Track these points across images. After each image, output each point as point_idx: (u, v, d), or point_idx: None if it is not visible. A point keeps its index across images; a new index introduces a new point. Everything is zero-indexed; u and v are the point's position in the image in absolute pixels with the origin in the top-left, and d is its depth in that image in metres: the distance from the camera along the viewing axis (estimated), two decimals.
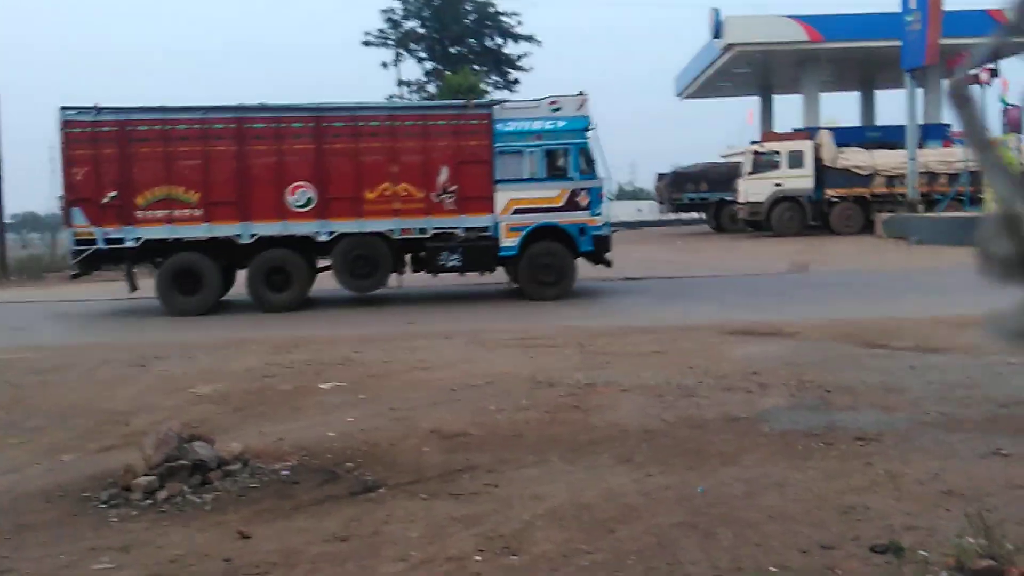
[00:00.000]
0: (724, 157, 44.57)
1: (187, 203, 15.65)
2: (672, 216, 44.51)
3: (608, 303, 15.98)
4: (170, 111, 15.86)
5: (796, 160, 32.13)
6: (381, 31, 45.02)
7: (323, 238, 16.02)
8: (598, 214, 16.57)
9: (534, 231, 16.33)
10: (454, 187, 16.11)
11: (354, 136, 16.04)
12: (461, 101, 16.65)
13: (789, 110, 49.34)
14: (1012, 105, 26.83)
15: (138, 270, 16.89)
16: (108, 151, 15.47)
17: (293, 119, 16.13)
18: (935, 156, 32.04)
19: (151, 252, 16.14)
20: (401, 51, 43.91)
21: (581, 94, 16.62)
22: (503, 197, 16.29)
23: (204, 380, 9.52)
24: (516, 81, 46.65)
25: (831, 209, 32.04)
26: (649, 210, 60.84)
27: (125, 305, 17.51)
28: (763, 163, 32.53)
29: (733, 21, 38.50)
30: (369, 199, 16.01)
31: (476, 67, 43.88)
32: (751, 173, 32.59)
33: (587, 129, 16.53)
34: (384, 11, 44.88)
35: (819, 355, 9.68)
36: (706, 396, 7.88)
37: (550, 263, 16.43)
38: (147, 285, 16.50)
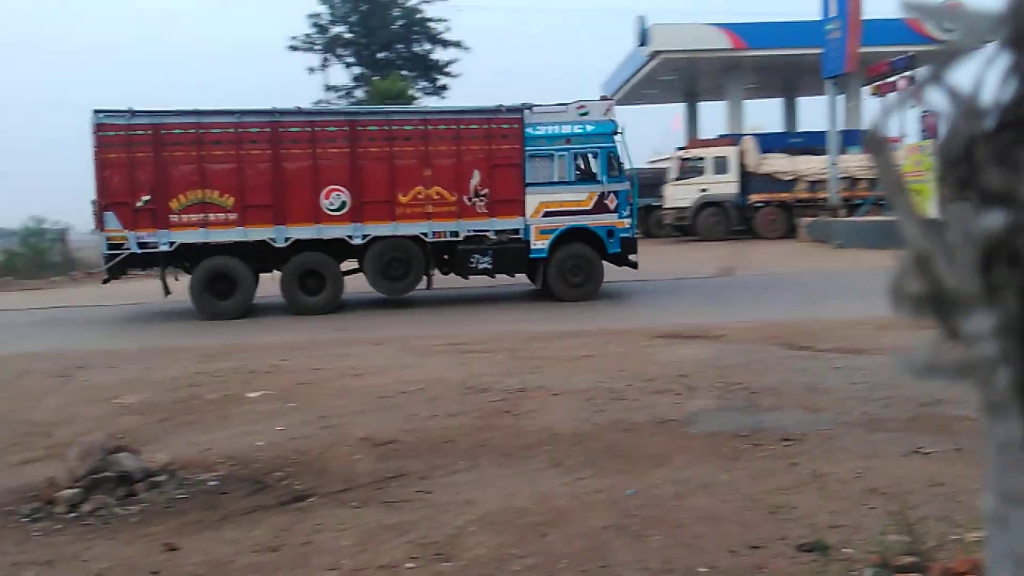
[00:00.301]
0: (651, 163, 45.02)
1: (222, 207, 15.64)
2: None
3: (537, 307, 16.04)
4: (204, 115, 15.78)
5: (721, 166, 32.60)
6: (308, 36, 44.64)
7: (357, 241, 16.10)
8: (625, 216, 16.92)
9: (563, 233, 16.58)
10: (486, 190, 16.35)
11: (388, 140, 16.17)
12: (494, 105, 16.74)
13: (714, 116, 50.33)
14: (929, 112, 27.49)
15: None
16: (142, 155, 15.39)
17: (328, 123, 16.35)
18: (856, 162, 32.71)
19: (183, 256, 16.05)
20: (328, 56, 43.53)
21: (607, 99, 16.96)
22: (533, 200, 16.53)
23: (129, 390, 9.34)
24: (445, 87, 46.58)
25: (755, 214, 32.54)
26: None
27: (47, 315, 17.10)
28: (689, 169, 32.94)
29: (658, 29, 38.91)
30: (402, 202, 16.16)
31: (405, 73, 43.69)
32: (677, 179, 32.97)
33: (615, 133, 16.85)
34: (311, 16, 44.53)
35: (745, 357, 9.83)
36: (636, 399, 7.96)
37: (579, 264, 16.70)
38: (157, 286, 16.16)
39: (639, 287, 18.62)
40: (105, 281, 16.52)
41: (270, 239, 15.79)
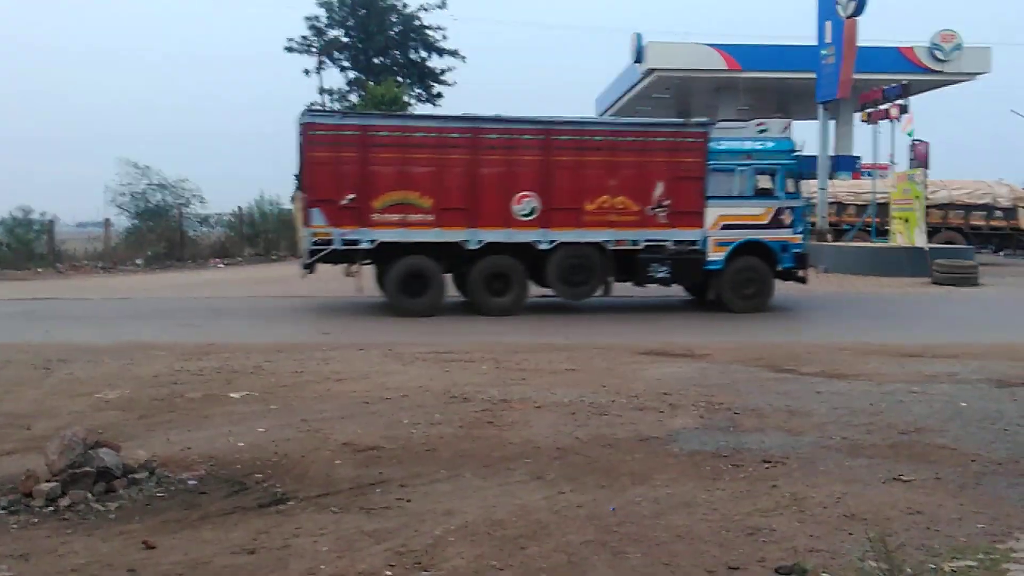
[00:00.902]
0: None
1: (420, 208, 15.95)
2: None
3: (524, 320, 16.02)
4: (409, 119, 16.46)
5: None
6: (304, 38, 44.63)
7: (544, 246, 16.38)
8: (800, 232, 17.34)
9: (739, 246, 16.93)
10: (668, 201, 16.57)
11: (578, 150, 16.43)
12: (680, 120, 17.37)
13: None
14: (919, 141, 27.74)
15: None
16: (348, 155, 15.70)
17: (524, 131, 16.53)
18: (844, 187, 32.94)
19: (378, 254, 16.25)
20: (324, 59, 43.53)
21: (785, 118, 16.95)
22: (712, 213, 16.82)
23: (110, 385, 9.30)
24: (439, 95, 46.62)
25: None
26: None
27: (25, 307, 17.01)
28: None
29: (655, 47, 39.10)
30: (588, 210, 16.41)
31: (400, 79, 43.73)
32: None
33: (793, 151, 17.37)
34: (308, 19, 44.54)
35: (728, 378, 9.86)
36: (618, 415, 7.97)
37: (752, 278, 17.11)
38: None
39: (624, 303, 18.65)
40: (305, 275, 16.86)
41: (463, 241, 16.15)
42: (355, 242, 15.86)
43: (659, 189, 16.50)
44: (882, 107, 28.90)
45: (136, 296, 19.96)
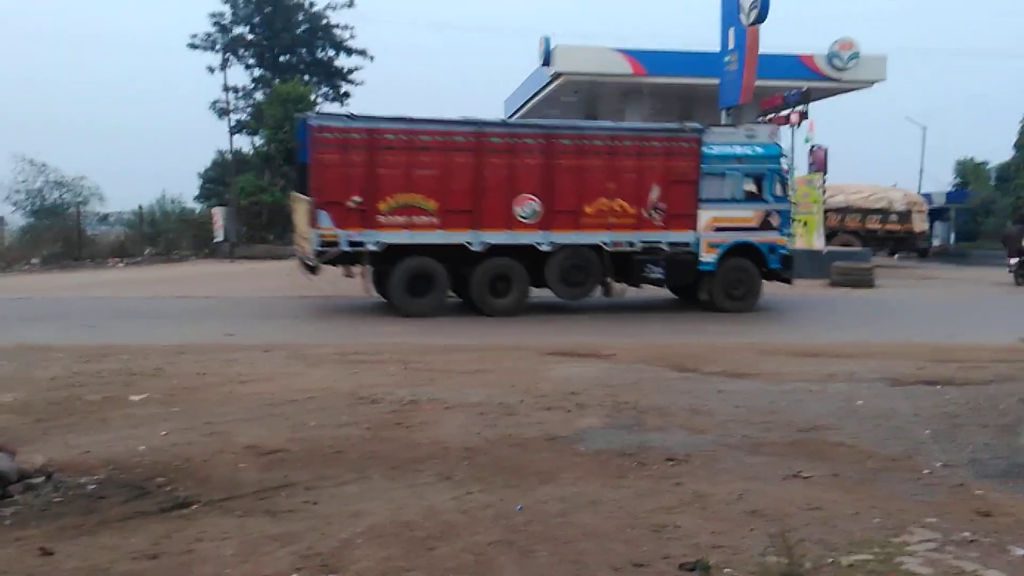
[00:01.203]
0: None
1: (426, 210, 16.18)
2: None
3: (433, 320, 16.00)
4: (416, 122, 16.20)
5: None
6: (208, 35, 43.75)
7: (545, 248, 16.75)
8: (787, 235, 18.14)
9: (730, 248, 17.53)
10: (663, 204, 17.13)
11: (579, 153, 16.81)
12: (676, 125, 17.75)
13: None
14: (818, 146, 28.48)
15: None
16: (356, 157, 15.83)
17: (526, 135, 16.99)
18: None
19: (383, 255, 16.31)
20: (229, 56, 42.72)
21: (772, 123, 18.60)
22: (705, 215, 17.39)
23: (5, 388, 8.99)
24: (347, 94, 46.18)
25: None
26: None
27: None
28: None
29: (562, 50, 39.30)
30: (587, 213, 16.85)
31: (307, 77, 43.20)
32: None
33: (781, 156, 18.22)
34: (213, 15, 43.67)
35: (633, 377, 9.99)
36: (526, 415, 8.01)
37: (742, 278, 17.81)
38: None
39: (532, 305, 18.76)
40: (309, 277, 17.11)
41: (467, 243, 16.40)
42: (361, 244, 15.98)
43: (655, 192, 17.08)
44: (783, 113, 29.58)
45: (32, 296, 19.36)
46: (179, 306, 17.78)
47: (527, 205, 16.52)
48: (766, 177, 17.71)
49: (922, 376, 10.09)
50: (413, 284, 16.32)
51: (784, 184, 18.08)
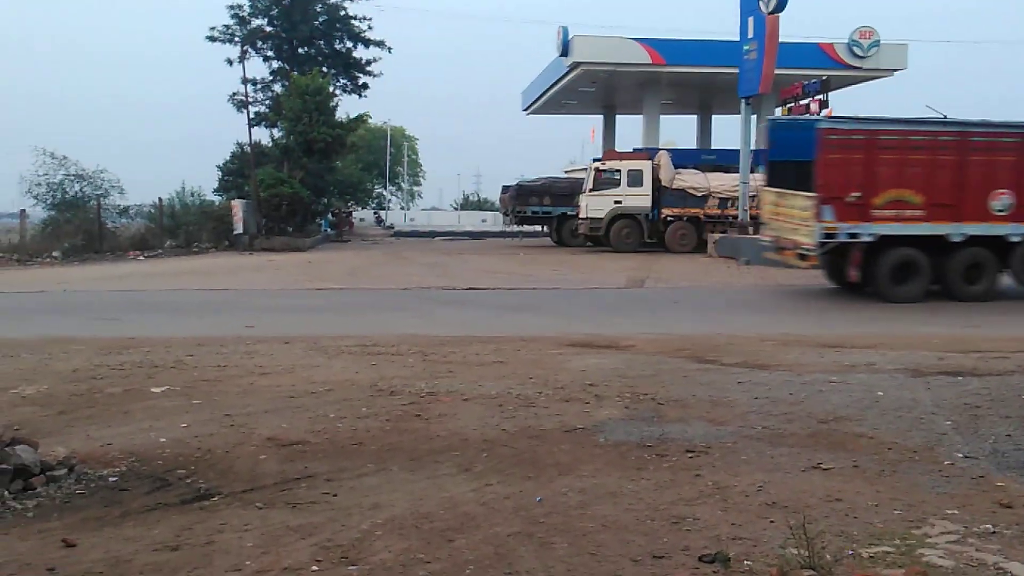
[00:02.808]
0: (566, 172, 45.28)
1: (913, 204, 17.27)
2: (515, 228, 44.84)
3: (451, 312, 16.03)
4: (908, 123, 17.64)
5: (635, 179, 32.94)
6: (227, 27, 43.82)
7: (1015, 239, 17.61)
8: None
9: None
10: None
11: None
12: None
13: (630, 130, 50.78)
14: None
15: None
16: (856, 156, 17.17)
17: (1003, 134, 18.04)
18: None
19: (869, 246, 17.27)
20: (247, 48, 42.77)
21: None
22: None
23: (27, 380, 9.07)
24: (365, 86, 46.21)
25: (667, 228, 32.96)
26: (493, 221, 61.26)
27: None
28: (604, 180, 33.19)
29: (580, 40, 39.23)
30: None
31: (325, 69, 43.22)
32: (592, 189, 33.20)
33: None
34: (231, 7, 43.74)
35: (653, 369, 9.97)
36: (545, 407, 8.01)
37: None
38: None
39: (551, 295, 18.77)
40: (803, 262, 18.01)
41: (947, 234, 17.39)
42: (856, 235, 17.09)
43: None
44: (802, 102, 29.44)
45: (53, 289, 19.50)
46: (199, 298, 17.88)
47: (1002, 199, 17.44)
48: None
49: (944, 367, 10.03)
50: (897, 273, 17.38)
51: None
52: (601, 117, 52.14)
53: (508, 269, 25.90)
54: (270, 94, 44.77)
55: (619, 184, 33.00)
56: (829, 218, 17.04)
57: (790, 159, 18.52)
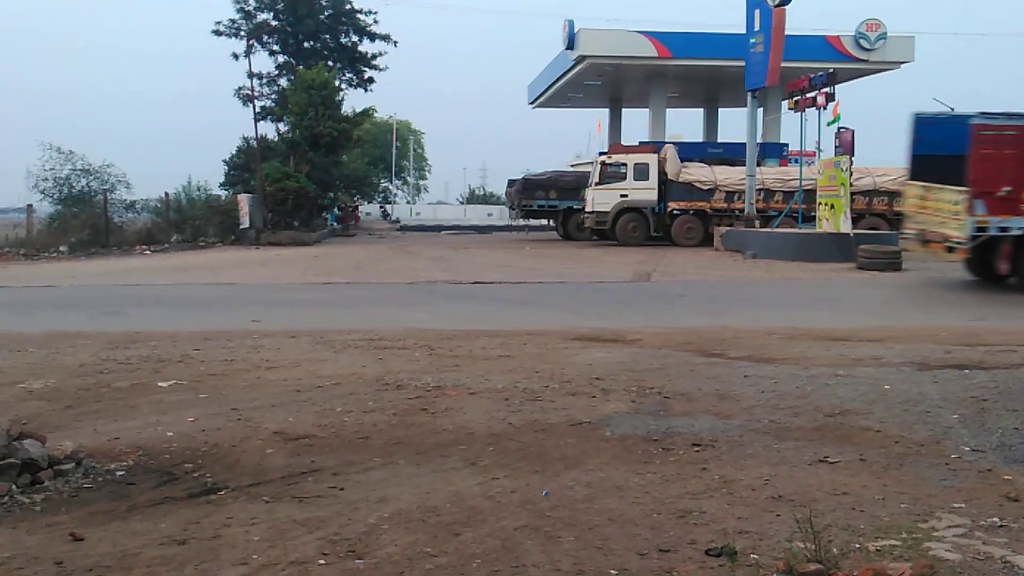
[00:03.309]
0: (572, 166, 45.28)
1: None
2: (521, 222, 44.87)
3: (457, 306, 16.04)
4: None
5: (642, 173, 32.93)
6: (232, 21, 43.91)
7: None
8: None
9: None
10: None
11: None
12: None
13: (637, 123, 50.69)
14: (845, 128, 28.21)
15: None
16: (1008, 152, 17.49)
17: None
18: (772, 174, 33.40)
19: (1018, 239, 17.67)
20: (253, 43, 42.82)
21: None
22: None
23: (34, 375, 9.09)
24: (371, 80, 46.28)
25: (673, 221, 32.96)
26: (499, 215, 61.29)
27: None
28: (610, 174, 33.20)
29: (586, 34, 39.22)
30: None
31: (330, 63, 43.24)
32: (598, 183, 33.22)
33: None
34: (237, 2, 43.79)
35: (659, 362, 9.96)
36: (551, 400, 8.01)
37: None
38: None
39: (558, 289, 18.76)
40: (950, 253, 18.19)
41: None
42: (1007, 228, 17.50)
43: None
44: (809, 95, 29.34)
45: (60, 284, 19.55)
46: (206, 293, 17.91)
47: None
48: None
49: (950, 360, 10.01)
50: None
51: None
52: (607, 110, 52.12)
53: (514, 263, 25.89)
54: (276, 88, 44.91)
55: (625, 178, 33.02)
56: (980, 212, 17.36)
57: (934, 153, 18.69)
